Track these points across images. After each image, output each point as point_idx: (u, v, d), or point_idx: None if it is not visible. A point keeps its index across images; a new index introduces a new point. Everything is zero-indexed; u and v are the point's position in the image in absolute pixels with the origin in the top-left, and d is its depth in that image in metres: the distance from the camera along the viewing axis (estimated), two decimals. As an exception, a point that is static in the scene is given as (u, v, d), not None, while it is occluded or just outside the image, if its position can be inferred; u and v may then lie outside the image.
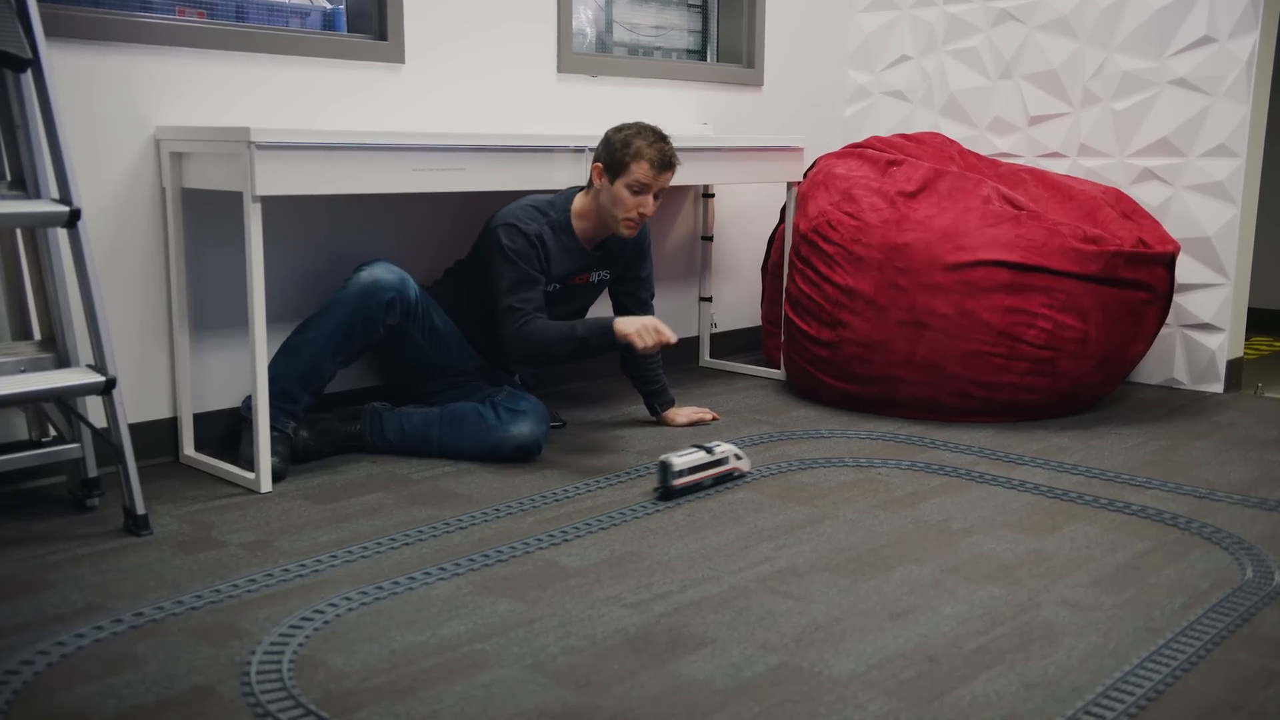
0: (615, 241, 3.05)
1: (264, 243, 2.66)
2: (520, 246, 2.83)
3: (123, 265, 2.74)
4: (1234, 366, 3.83)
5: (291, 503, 2.53)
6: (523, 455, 2.85)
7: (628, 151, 2.83)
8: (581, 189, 2.99)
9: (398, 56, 3.19)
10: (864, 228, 3.38)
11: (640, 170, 2.83)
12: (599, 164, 2.89)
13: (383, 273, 2.79)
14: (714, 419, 3.30)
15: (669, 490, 2.55)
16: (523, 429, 2.84)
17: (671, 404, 3.28)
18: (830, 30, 4.53)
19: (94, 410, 2.51)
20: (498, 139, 2.94)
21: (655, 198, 2.88)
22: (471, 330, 3.02)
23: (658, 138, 2.87)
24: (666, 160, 2.85)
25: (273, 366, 2.74)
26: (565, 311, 3.09)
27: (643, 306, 3.21)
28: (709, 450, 2.64)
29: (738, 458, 2.70)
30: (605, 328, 2.72)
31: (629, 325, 2.68)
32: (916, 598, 2.04)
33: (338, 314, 2.76)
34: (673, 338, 2.68)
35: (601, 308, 3.25)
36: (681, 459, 2.57)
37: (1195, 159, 3.74)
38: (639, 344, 2.66)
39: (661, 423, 3.26)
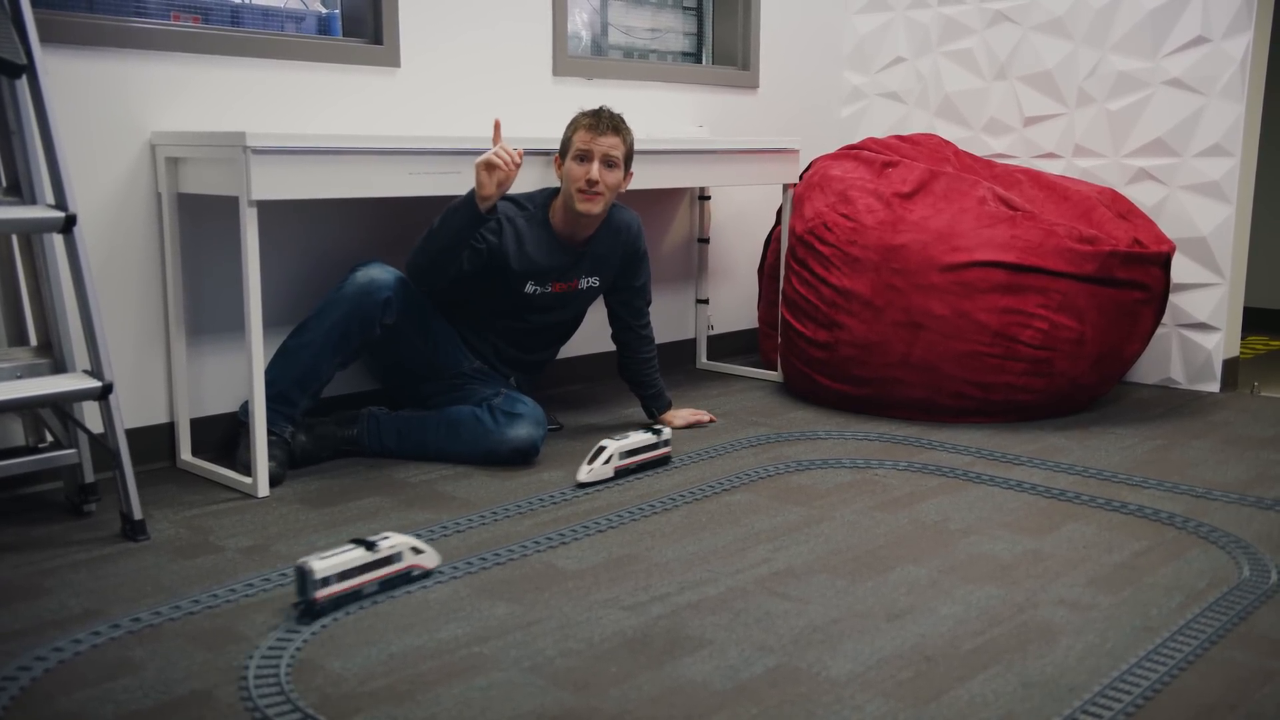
0: (604, 246, 3.05)
1: (260, 247, 2.66)
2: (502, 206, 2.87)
3: (119, 270, 2.74)
4: (1230, 366, 3.83)
5: (289, 507, 2.53)
6: (520, 459, 2.85)
7: (569, 128, 2.92)
8: (557, 190, 3.00)
9: (393, 60, 3.19)
10: (860, 229, 3.39)
11: (579, 137, 2.88)
12: (556, 157, 2.96)
13: (379, 272, 2.79)
14: (711, 420, 3.30)
15: (311, 606, 1.93)
16: (520, 432, 2.84)
17: (669, 406, 3.28)
18: (825, 32, 4.54)
19: (91, 415, 2.50)
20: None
21: (610, 167, 2.89)
22: (467, 332, 3.02)
23: (596, 109, 2.92)
24: (600, 122, 2.87)
25: (270, 370, 2.74)
26: (558, 319, 3.10)
27: (637, 315, 3.20)
28: (371, 546, 2.04)
29: (416, 551, 2.12)
30: (464, 198, 2.74)
31: (478, 162, 2.70)
32: (914, 598, 2.04)
33: (334, 314, 2.76)
34: (512, 157, 2.69)
35: (598, 316, 3.26)
36: (327, 562, 1.97)
37: (1190, 159, 3.75)
38: (487, 173, 2.67)
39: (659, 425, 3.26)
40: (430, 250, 2.77)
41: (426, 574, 2.15)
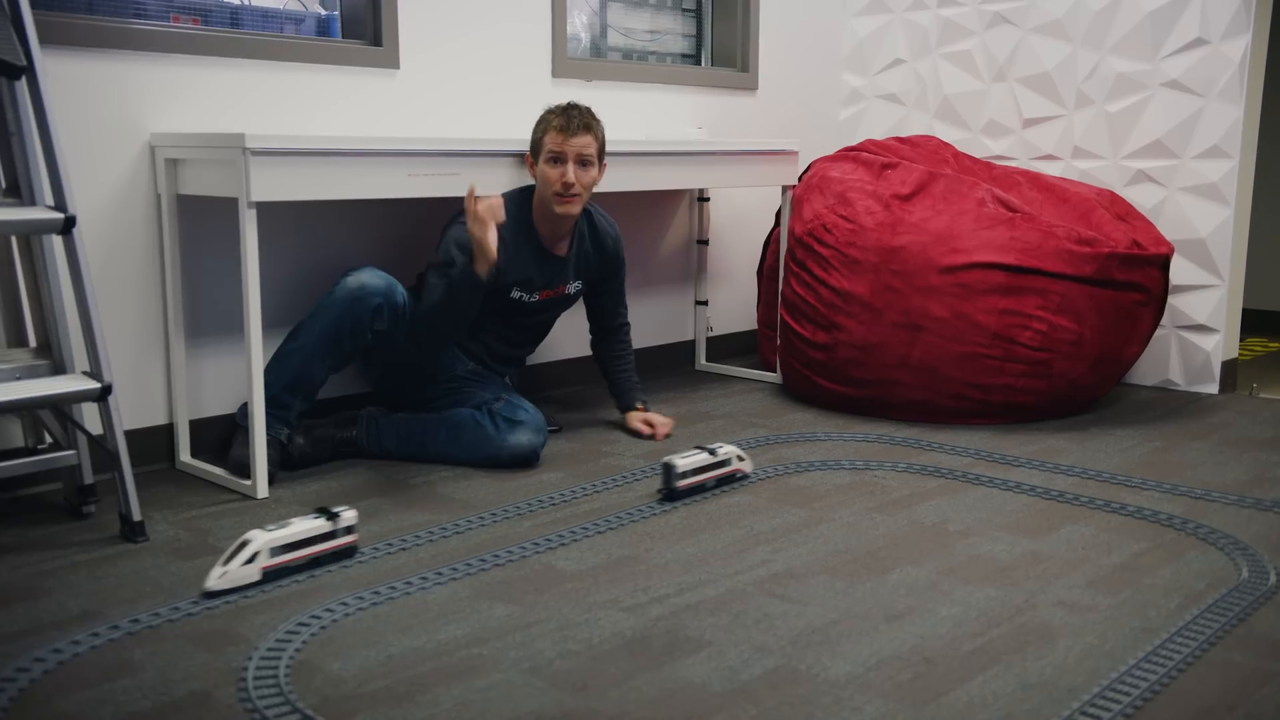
0: (587, 254, 3.07)
1: (259, 248, 2.66)
2: (462, 236, 2.81)
3: (118, 272, 2.74)
4: (1229, 367, 3.83)
5: (288, 508, 2.53)
6: (521, 465, 2.85)
7: (538, 129, 2.89)
8: (533, 187, 2.97)
9: (392, 62, 3.19)
10: (859, 231, 3.39)
11: (550, 139, 2.85)
12: (528, 157, 2.93)
13: (369, 278, 2.78)
14: (667, 435, 3.16)
15: (673, 492, 2.58)
16: (521, 439, 2.84)
17: (633, 407, 3.24)
18: (824, 34, 4.54)
19: (90, 417, 2.50)
20: (492, 144, 2.94)
21: (585, 166, 2.87)
22: (460, 335, 3.02)
23: (565, 107, 2.88)
24: (571, 122, 2.83)
25: (264, 374, 2.74)
26: (545, 319, 3.13)
27: (615, 318, 3.22)
28: (712, 452, 2.67)
29: (740, 459, 2.74)
30: (462, 272, 2.70)
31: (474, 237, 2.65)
32: (913, 599, 2.04)
33: (324, 320, 2.75)
34: (499, 212, 2.65)
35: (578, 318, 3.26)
36: (685, 460, 2.61)
37: (1189, 160, 3.75)
38: (478, 229, 2.63)
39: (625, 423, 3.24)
40: (439, 329, 2.80)
41: (745, 476, 2.76)
